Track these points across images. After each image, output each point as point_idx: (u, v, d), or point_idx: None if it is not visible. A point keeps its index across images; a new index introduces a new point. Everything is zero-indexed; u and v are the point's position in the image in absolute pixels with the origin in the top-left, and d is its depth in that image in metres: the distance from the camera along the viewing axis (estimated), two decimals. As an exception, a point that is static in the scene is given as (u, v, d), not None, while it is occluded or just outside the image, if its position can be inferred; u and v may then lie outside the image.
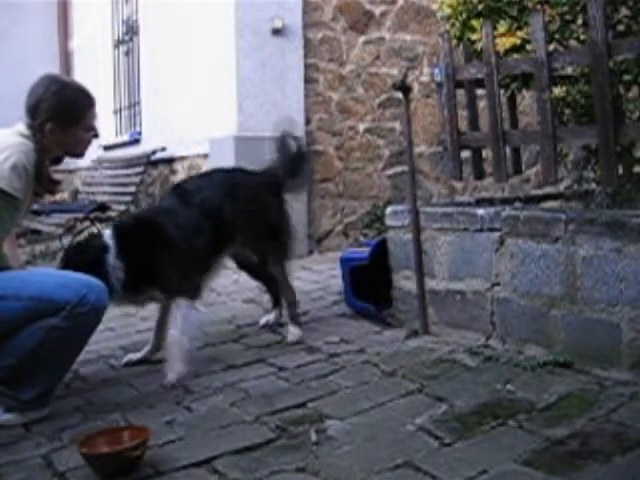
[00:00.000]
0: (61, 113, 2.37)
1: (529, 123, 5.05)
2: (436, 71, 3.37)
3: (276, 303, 3.33)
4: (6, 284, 2.26)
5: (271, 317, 3.32)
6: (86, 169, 7.84)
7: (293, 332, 3.04)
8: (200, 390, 2.50)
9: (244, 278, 3.24)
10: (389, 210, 3.27)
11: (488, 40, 3.04)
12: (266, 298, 3.76)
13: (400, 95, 3.16)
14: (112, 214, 5.98)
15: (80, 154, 2.54)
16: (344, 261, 3.44)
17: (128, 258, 2.64)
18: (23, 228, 5.88)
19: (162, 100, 6.55)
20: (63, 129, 2.38)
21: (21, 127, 2.37)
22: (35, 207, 5.04)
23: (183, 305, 2.71)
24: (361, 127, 5.75)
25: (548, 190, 4.16)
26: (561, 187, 4.00)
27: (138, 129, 7.29)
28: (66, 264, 2.61)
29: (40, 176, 2.35)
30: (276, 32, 5.32)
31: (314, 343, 2.95)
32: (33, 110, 2.36)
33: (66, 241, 5.86)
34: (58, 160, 2.56)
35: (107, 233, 2.73)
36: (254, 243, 3.06)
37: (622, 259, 2.29)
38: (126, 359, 2.92)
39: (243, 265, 3.34)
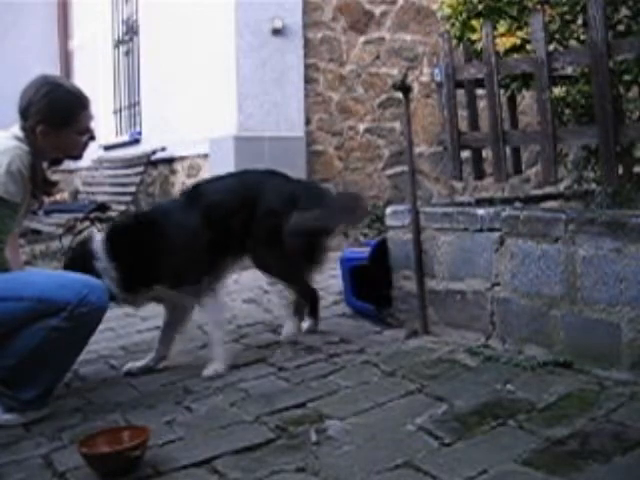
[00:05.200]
0: (51, 115, 2.33)
1: (529, 123, 5.05)
2: (436, 71, 3.37)
3: (311, 312, 3.09)
4: (7, 285, 2.26)
5: (294, 331, 3.04)
6: (86, 169, 7.84)
7: (287, 329, 3.03)
8: (200, 390, 2.50)
9: (244, 278, 3.23)
10: (389, 210, 3.26)
11: (488, 40, 3.03)
12: (266, 298, 3.77)
13: (400, 95, 3.16)
14: (112, 214, 5.99)
15: (77, 156, 2.50)
16: (344, 261, 3.44)
17: (123, 260, 2.63)
18: (23, 228, 5.88)
19: (162, 100, 6.55)
20: (55, 131, 2.34)
21: (16, 130, 2.34)
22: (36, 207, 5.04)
23: (208, 303, 2.73)
24: (361, 127, 5.75)
25: (548, 190, 4.17)
26: (561, 187, 3.99)
27: (138, 129, 7.29)
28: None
29: (35, 178, 2.33)
30: (276, 32, 5.32)
31: (314, 343, 2.94)
32: (24, 112, 2.33)
33: (66, 241, 5.87)
34: (58, 162, 2.54)
35: (98, 237, 2.72)
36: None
37: (622, 259, 2.29)
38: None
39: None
